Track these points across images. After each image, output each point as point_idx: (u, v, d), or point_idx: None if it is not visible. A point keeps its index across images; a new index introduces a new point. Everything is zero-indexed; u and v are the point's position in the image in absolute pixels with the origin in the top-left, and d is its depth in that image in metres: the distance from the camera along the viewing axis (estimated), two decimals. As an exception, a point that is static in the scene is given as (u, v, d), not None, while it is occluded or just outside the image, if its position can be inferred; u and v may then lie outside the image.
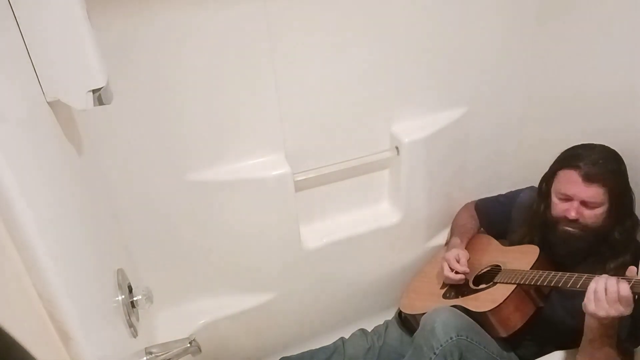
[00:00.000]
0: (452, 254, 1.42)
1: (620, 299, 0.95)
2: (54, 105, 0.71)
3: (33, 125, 0.62)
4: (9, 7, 0.61)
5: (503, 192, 1.57)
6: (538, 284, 1.17)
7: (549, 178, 1.26)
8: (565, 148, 1.26)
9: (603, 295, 0.97)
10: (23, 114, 0.59)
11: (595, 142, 1.23)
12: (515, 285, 1.22)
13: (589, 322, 1.05)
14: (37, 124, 0.64)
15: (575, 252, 1.23)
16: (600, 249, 1.21)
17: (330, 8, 1.19)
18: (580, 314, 1.17)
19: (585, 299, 1.00)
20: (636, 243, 1.21)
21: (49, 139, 0.68)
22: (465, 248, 1.51)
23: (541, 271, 1.19)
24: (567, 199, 1.19)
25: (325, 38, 1.23)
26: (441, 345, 1.16)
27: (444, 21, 1.33)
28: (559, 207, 1.21)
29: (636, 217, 1.22)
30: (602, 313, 0.97)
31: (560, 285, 1.11)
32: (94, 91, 0.69)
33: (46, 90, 0.68)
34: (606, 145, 1.21)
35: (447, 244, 1.65)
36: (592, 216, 1.17)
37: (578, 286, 1.06)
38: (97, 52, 0.68)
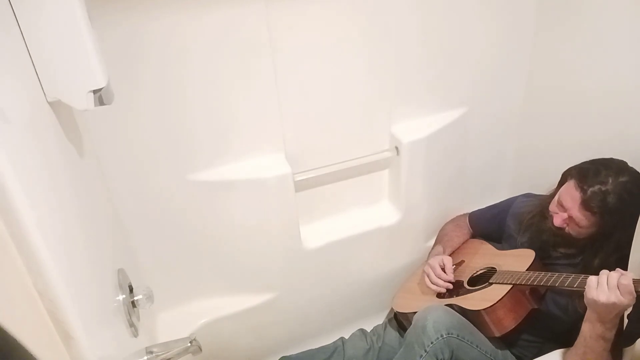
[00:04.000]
0: (436, 260, 1.42)
1: (619, 285, 0.95)
2: (55, 105, 0.71)
3: (34, 125, 0.62)
4: (9, 7, 0.61)
5: (502, 192, 1.57)
6: (534, 284, 1.17)
7: (566, 177, 1.23)
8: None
9: (604, 280, 0.97)
10: (24, 114, 0.59)
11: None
12: (510, 286, 1.22)
13: (588, 316, 1.04)
14: (38, 124, 0.64)
15: (550, 245, 1.26)
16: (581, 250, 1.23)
17: (330, 8, 1.19)
18: (575, 311, 1.17)
19: (586, 289, 1.00)
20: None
21: (50, 139, 0.68)
22: (459, 252, 1.52)
23: (537, 272, 1.19)
24: (562, 206, 1.19)
25: (325, 38, 1.23)
26: (432, 343, 1.17)
27: (444, 22, 1.33)
28: (553, 207, 1.23)
29: (626, 252, 1.11)
30: (602, 298, 0.96)
31: (557, 285, 1.11)
32: (94, 91, 0.69)
33: (47, 90, 0.68)
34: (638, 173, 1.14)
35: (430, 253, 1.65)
36: (576, 230, 1.18)
37: (575, 286, 1.06)
38: (97, 52, 0.68)
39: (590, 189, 1.12)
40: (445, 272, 1.40)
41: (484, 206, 1.60)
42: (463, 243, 1.56)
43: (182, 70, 1.12)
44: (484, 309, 1.22)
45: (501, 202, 1.53)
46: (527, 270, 1.24)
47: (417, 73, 1.38)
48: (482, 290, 1.30)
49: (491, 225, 1.51)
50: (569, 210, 1.16)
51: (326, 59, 1.26)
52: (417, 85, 1.41)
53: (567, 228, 1.20)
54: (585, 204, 1.12)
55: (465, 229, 1.59)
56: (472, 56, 1.43)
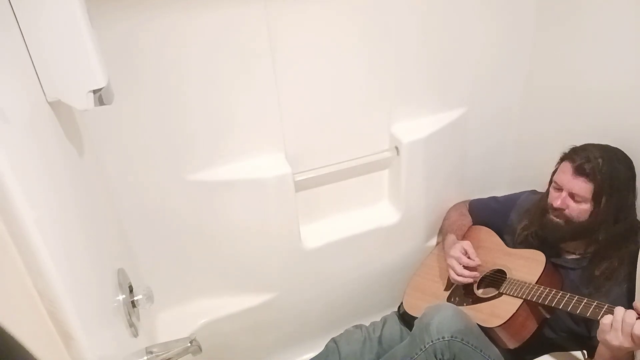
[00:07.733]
0: (457, 249, 1.37)
1: (633, 336, 0.94)
2: (55, 105, 0.71)
3: (34, 125, 0.62)
4: (9, 7, 0.61)
5: (501, 191, 1.57)
6: (545, 303, 1.15)
7: (555, 168, 1.28)
8: (563, 148, 1.27)
9: (619, 325, 0.96)
10: (24, 114, 0.59)
11: (595, 142, 1.23)
12: (521, 301, 1.21)
13: (600, 349, 1.04)
14: (38, 124, 0.64)
15: (555, 241, 1.27)
16: (586, 249, 1.24)
17: (330, 8, 1.19)
18: (584, 321, 1.16)
19: (599, 329, 1.00)
20: (626, 250, 1.17)
21: (50, 139, 0.68)
22: (468, 240, 1.50)
23: (549, 288, 1.17)
24: (559, 188, 1.22)
25: (325, 38, 1.23)
26: (432, 342, 1.16)
27: (444, 22, 1.33)
28: (551, 195, 1.25)
29: (631, 223, 1.20)
30: (615, 342, 0.96)
31: (569, 309, 1.09)
32: (94, 91, 0.69)
33: (47, 90, 0.68)
34: (622, 150, 1.21)
35: (438, 243, 1.64)
36: (577, 209, 1.19)
37: (588, 315, 1.05)
38: (97, 52, 0.68)
39: (580, 157, 1.19)
40: (470, 258, 1.35)
41: (483, 204, 1.59)
42: (469, 230, 1.54)
43: (182, 70, 1.12)
44: (495, 327, 1.21)
45: (504, 196, 1.53)
46: (538, 281, 1.22)
47: (417, 73, 1.38)
48: (492, 301, 1.28)
49: (493, 218, 1.50)
50: (565, 185, 1.20)
51: (326, 59, 1.25)
52: (417, 85, 1.41)
53: (567, 210, 1.20)
54: (578, 169, 1.18)
55: (468, 217, 1.58)
56: (471, 56, 1.43)
